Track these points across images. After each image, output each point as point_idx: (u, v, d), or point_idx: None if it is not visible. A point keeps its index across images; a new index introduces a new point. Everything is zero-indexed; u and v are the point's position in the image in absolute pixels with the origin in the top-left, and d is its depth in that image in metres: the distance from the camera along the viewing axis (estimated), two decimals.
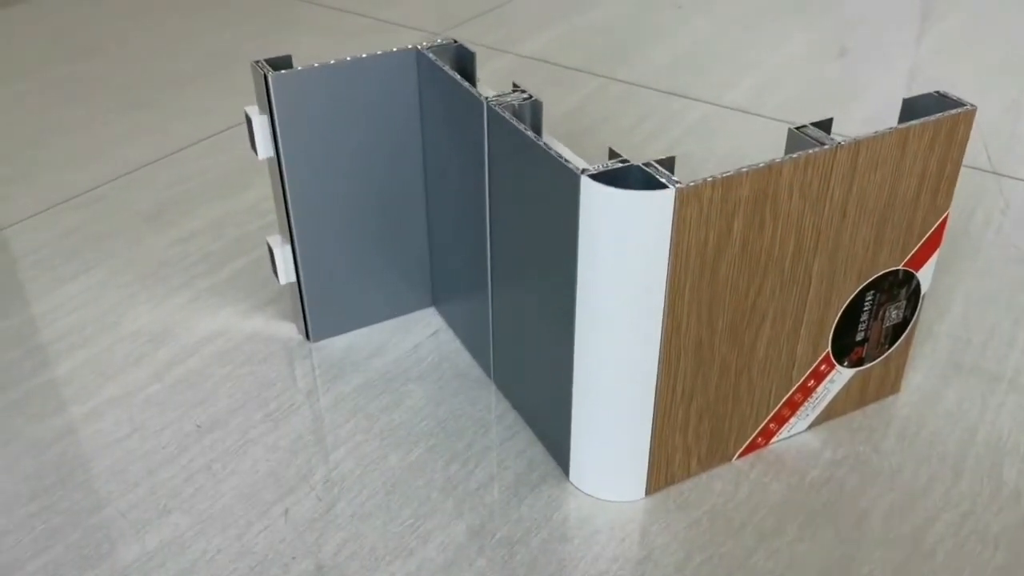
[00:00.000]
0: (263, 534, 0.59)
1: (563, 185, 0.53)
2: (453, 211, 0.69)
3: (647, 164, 0.52)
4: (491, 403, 0.69)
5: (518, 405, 0.68)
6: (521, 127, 0.56)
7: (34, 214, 0.92)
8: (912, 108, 0.59)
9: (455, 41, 0.68)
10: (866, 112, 1.08)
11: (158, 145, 1.03)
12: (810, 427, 0.66)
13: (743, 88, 1.14)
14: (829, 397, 0.66)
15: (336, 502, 0.61)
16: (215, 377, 0.71)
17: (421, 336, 0.75)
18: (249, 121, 0.67)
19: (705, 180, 0.50)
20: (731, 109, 1.10)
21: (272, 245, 0.72)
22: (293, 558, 0.57)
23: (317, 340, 0.75)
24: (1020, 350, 0.73)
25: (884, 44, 1.26)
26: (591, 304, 0.54)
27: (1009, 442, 0.65)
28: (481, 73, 1.18)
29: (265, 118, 0.67)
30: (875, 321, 0.64)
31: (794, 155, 0.53)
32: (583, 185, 0.51)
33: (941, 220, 0.62)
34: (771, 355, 0.60)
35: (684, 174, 0.97)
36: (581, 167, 0.52)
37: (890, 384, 0.69)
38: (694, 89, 1.14)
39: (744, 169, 0.51)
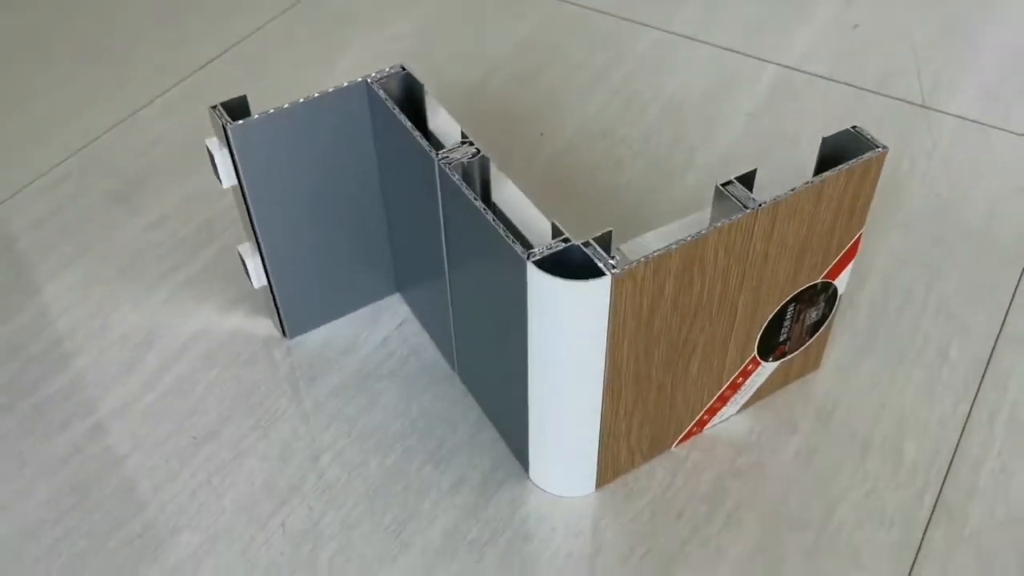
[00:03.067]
0: (264, 548, 0.68)
1: (511, 262, 0.58)
2: (410, 230, 0.74)
3: (586, 244, 0.57)
4: (456, 398, 0.76)
5: (479, 400, 0.76)
6: (471, 195, 0.61)
7: (3, 200, 0.95)
8: (829, 147, 0.64)
9: (403, 68, 0.70)
10: (805, 44, 1.10)
11: (115, 107, 1.05)
12: (739, 411, 0.75)
13: (690, 8, 1.15)
14: (756, 386, 0.74)
15: (326, 511, 0.70)
16: (203, 382, 0.78)
17: (389, 328, 0.82)
18: (211, 154, 0.71)
19: (639, 261, 0.56)
20: (680, 36, 1.12)
21: (243, 254, 0.77)
22: (294, 572, 0.66)
23: (293, 336, 0.81)
24: (931, 315, 0.81)
25: None
26: (541, 357, 0.61)
27: (911, 417, 0.74)
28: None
29: (226, 151, 0.70)
30: (796, 324, 0.71)
31: (718, 224, 0.58)
32: (529, 270, 0.56)
33: (856, 237, 0.68)
34: (703, 370, 0.68)
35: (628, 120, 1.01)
36: (527, 252, 0.57)
37: (811, 363, 0.77)
38: (644, 14, 1.15)
39: (674, 246, 0.57)
